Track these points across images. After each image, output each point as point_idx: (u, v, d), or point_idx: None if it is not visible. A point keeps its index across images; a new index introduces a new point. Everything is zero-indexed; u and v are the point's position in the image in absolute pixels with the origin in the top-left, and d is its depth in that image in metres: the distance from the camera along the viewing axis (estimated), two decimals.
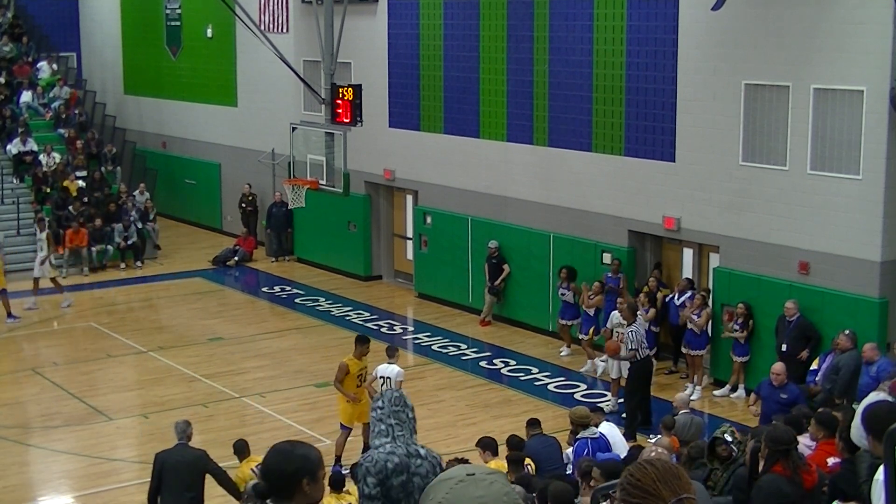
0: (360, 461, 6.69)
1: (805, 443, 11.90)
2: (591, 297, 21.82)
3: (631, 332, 18.68)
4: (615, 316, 19.80)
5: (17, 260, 30.19)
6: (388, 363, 17.73)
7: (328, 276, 29.58)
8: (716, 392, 20.53)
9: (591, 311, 21.86)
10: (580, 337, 22.17)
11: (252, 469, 14.42)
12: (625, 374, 19.54)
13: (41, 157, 33.24)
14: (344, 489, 13.71)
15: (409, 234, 28.30)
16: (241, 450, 14.88)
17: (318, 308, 26.81)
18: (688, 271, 22.07)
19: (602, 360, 21.66)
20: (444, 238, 26.49)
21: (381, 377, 17.61)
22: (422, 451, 7.04)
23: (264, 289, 29.20)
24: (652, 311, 20.71)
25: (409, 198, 28.16)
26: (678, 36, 21.13)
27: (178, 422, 14.34)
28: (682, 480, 4.22)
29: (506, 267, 24.79)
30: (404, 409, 7.15)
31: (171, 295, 28.60)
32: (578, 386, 20.91)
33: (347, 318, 25.86)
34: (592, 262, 22.80)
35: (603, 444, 14.07)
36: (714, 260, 21.40)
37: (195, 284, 29.37)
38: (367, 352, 17.84)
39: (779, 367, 16.79)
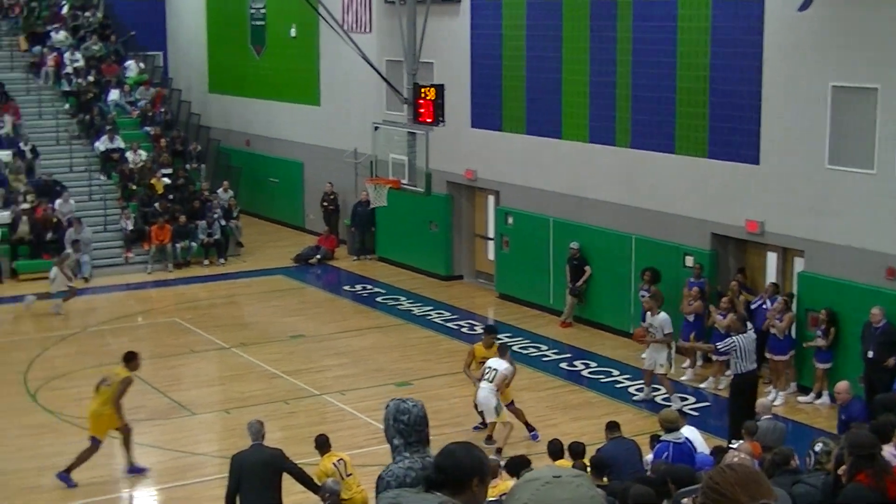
0: (381, 474, 6.94)
1: (891, 451, 11.72)
2: (691, 302, 21.63)
3: (734, 341, 18.33)
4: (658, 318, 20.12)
5: (104, 255, 30.70)
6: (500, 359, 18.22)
7: (409, 275, 29.66)
8: (800, 398, 20.29)
9: (691, 317, 21.64)
10: (680, 343, 21.91)
11: (333, 463, 14.49)
12: (660, 362, 19.94)
13: (128, 154, 33.69)
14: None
15: (491, 234, 28.29)
16: (323, 444, 14.96)
17: (398, 307, 26.89)
18: (771, 275, 21.81)
19: (689, 367, 21.57)
20: (525, 239, 26.44)
21: (488, 367, 18.05)
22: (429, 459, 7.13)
23: (345, 287, 29.35)
24: (731, 315, 20.51)
25: (491, 198, 28.15)
26: (763, 37, 20.91)
27: (252, 422, 14.40)
28: (761, 486, 4.20)
29: (587, 268, 24.70)
30: (424, 427, 7.50)
31: (253, 292, 28.83)
32: (659, 389, 20.76)
33: (428, 317, 25.91)
34: (674, 265, 22.63)
35: (687, 449, 13.94)
36: (798, 264, 21.14)
37: (277, 282, 29.61)
38: (494, 342, 18.76)
39: (841, 386, 16.41)
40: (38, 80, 36.61)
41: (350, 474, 14.32)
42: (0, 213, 30.52)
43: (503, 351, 18.70)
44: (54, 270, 26.65)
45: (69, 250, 27.99)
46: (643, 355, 20.75)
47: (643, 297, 22.18)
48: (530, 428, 18.52)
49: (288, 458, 14.15)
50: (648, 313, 20.45)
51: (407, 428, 7.46)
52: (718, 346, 18.95)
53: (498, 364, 18.07)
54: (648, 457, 14.39)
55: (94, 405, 17.18)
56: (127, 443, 17.34)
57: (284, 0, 34.92)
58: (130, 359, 17.37)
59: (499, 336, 19.37)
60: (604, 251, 24.44)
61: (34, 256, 30.09)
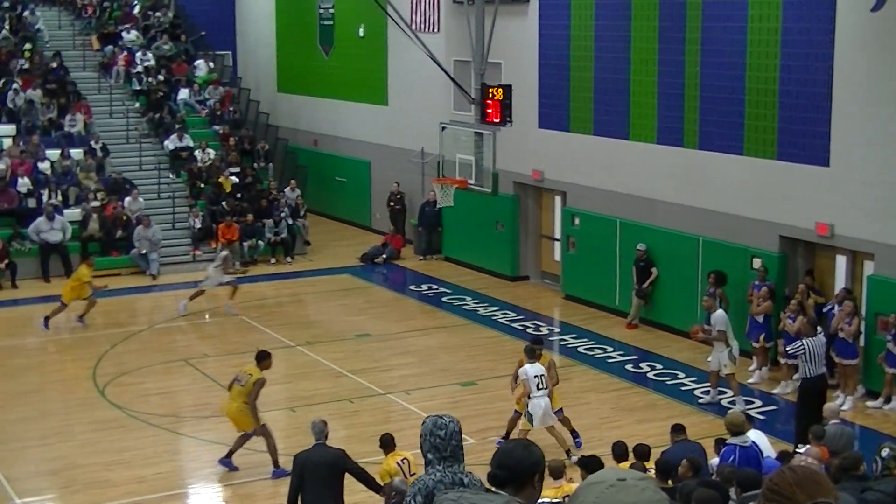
0: (413, 483, 7.27)
1: None
2: (760, 303, 21.44)
3: (803, 345, 18.19)
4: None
5: (172, 253, 30.99)
6: (529, 362, 17.70)
7: (475, 275, 29.66)
8: (869, 403, 20.03)
9: (760, 318, 21.45)
10: (752, 344, 21.71)
11: (397, 463, 14.52)
12: (724, 362, 19.77)
13: (196, 153, 33.99)
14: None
15: (557, 235, 28.22)
16: (388, 444, 14.99)
17: (464, 307, 26.89)
18: (841, 279, 21.57)
19: (756, 369, 21.40)
20: (591, 240, 26.35)
21: (535, 376, 17.54)
22: (465, 479, 7.46)
23: (412, 287, 29.41)
24: (801, 318, 20.30)
25: (558, 199, 28.08)
26: (835, 37, 20.67)
27: (315, 421, 14.41)
28: (821, 486, 4.20)
29: (654, 270, 24.57)
30: (459, 442, 7.67)
31: (319, 291, 28.96)
32: (725, 392, 20.58)
33: (494, 317, 25.89)
34: (742, 267, 22.43)
35: (753, 453, 13.80)
36: (868, 268, 20.88)
37: (343, 281, 29.72)
38: (539, 354, 18.02)
39: None
40: (108, 80, 37.03)
41: (413, 473, 14.33)
42: (71, 211, 30.92)
43: (531, 352, 18.04)
44: (211, 268, 26.60)
45: (225, 252, 27.69)
46: (709, 358, 20.60)
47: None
48: (575, 434, 18.37)
49: (350, 458, 14.18)
50: (708, 311, 20.42)
51: (442, 442, 7.63)
52: (788, 349, 18.85)
53: (536, 370, 17.66)
54: (714, 460, 14.28)
55: (234, 405, 17.34)
56: (242, 441, 17.53)
57: (353, 0, 35.06)
58: (263, 358, 17.56)
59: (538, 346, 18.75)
60: (670, 253, 24.29)
61: (104, 254, 30.44)
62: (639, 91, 24.84)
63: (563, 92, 26.83)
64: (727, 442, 14.03)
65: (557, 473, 13.57)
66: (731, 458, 13.56)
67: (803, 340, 18.24)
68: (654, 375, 21.92)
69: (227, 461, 17.55)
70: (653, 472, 13.23)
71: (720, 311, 20.10)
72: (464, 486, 7.38)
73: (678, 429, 15.05)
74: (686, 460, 12.97)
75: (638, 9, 24.70)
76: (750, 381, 21.19)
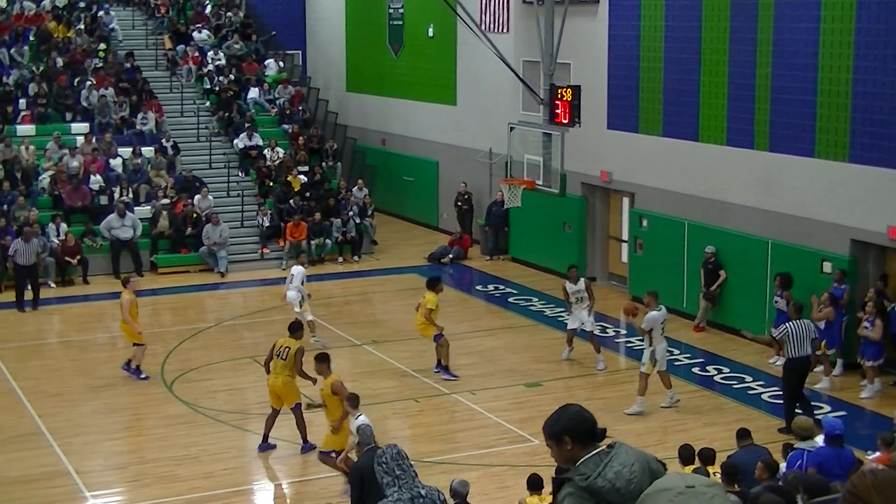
0: None
1: None
2: (821, 309, 21.19)
3: (783, 327, 18.92)
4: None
5: (241, 251, 31.21)
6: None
7: (542, 276, 29.59)
8: None
9: (822, 324, 21.20)
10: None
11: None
12: (643, 360, 19.93)
13: (266, 151, 34.21)
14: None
15: (625, 236, 28.08)
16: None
17: (530, 308, 26.84)
18: None
19: (818, 370, 21.17)
20: (659, 242, 26.19)
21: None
22: (422, 491, 8.34)
23: (478, 287, 29.39)
24: (879, 322, 20.05)
25: (626, 200, 27.94)
26: None
27: (362, 427, 14.30)
28: None
29: (722, 273, 24.38)
30: (404, 460, 8.68)
31: (386, 290, 29.03)
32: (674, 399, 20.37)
33: (560, 318, 25.78)
34: (812, 271, 22.19)
35: (824, 456, 13.63)
36: None
37: (410, 280, 29.76)
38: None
39: None
40: (180, 78, 37.38)
41: None
42: (142, 208, 31.25)
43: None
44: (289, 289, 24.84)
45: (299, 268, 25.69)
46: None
47: (776, 302, 21.86)
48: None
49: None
50: (648, 308, 20.19)
51: (387, 466, 8.53)
52: (774, 334, 19.46)
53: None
54: (782, 465, 14.13)
55: (280, 379, 17.86)
56: (300, 417, 18.00)
57: (423, 0, 35.12)
58: (297, 329, 18.35)
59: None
60: (739, 256, 24.09)
61: (173, 251, 30.77)
62: (709, 92, 24.65)
63: (633, 93, 26.69)
64: (795, 447, 13.89)
65: None
66: (799, 464, 13.42)
67: (787, 323, 18.96)
68: (721, 379, 21.73)
69: (307, 446, 18.07)
70: (718, 475, 13.12)
71: (654, 312, 19.89)
72: (422, 498, 8.45)
73: (744, 434, 14.92)
74: (761, 462, 12.85)
75: (709, 9, 24.51)
76: (817, 386, 20.94)
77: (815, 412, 19.01)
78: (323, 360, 16.89)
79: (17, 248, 27.31)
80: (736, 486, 12.65)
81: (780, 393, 19.56)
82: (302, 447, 18.02)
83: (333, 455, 16.44)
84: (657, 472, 5.29)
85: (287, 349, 17.87)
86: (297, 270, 24.37)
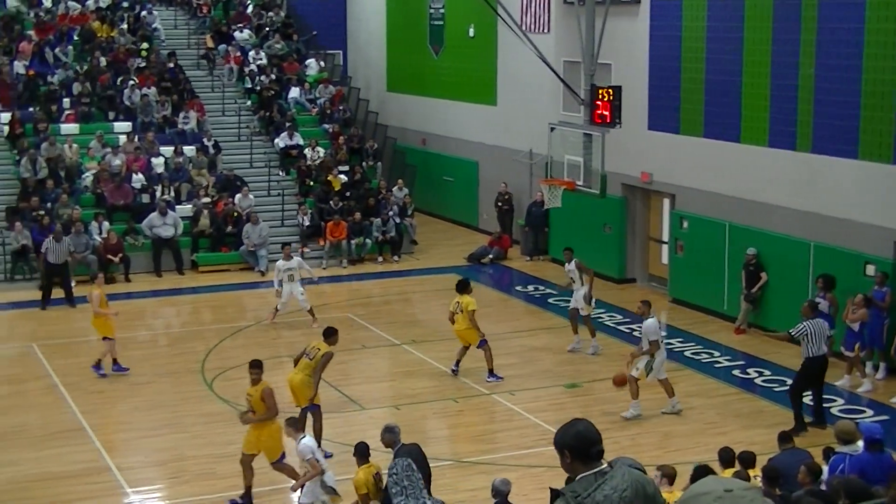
0: None
1: None
2: (855, 310, 21.03)
3: (801, 326, 18.66)
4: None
5: (280, 250, 31.25)
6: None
7: None
8: None
9: (856, 326, 21.04)
10: (843, 352, 21.34)
11: (374, 475, 13.87)
12: (638, 365, 19.53)
13: (306, 151, 34.32)
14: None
15: (665, 237, 27.97)
16: (364, 454, 14.24)
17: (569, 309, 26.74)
18: None
19: (859, 374, 21.03)
20: (700, 243, 26.07)
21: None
22: (428, 502, 8.41)
23: (518, 287, 29.36)
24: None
25: (666, 201, 27.83)
26: None
27: (393, 426, 14.22)
28: None
29: (763, 275, 24.23)
30: (413, 472, 9.38)
31: (426, 290, 29.04)
32: (835, 400, 20.24)
33: (599, 320, 25.71)
34: (854, 273, 22.02)
35: (865, 461, 13.51)
36: None
37: (450, 280, 29.62)
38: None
39: None
40: (221, 78, 37.57)
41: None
42: (183, 207, 31.41)
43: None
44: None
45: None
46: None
47: (818, 303, 21.70)
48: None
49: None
50: (642, 317, 19.87)
51: (397, 476, 9.14)
52: (791, 332, 18.93)
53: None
54: (825, 468, 14.03)
55: (299, 376, 17.83)
56: (303, 419, 17.79)
57: (464, 0, 35.12)
58: (331, 334, 18.15)
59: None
60: (781, 258, 23.94)
61: (214, 249, 30.92)
62: (751, 93, 24.51)
63: (674, 93, 26.58)
64: (836, 451, 13.78)
65: (671, 479, 13.42)
66: (841, 468, 13.31)
67: (805, 322, 18.72)
68: (762, 381, 21.60)
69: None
70: (759, 479, 13.05)
71: (651, 320, 19.61)
72: None
73: (785, 437, 14.82)
74: (804, 466, 12.75)
75: (751, 9, 24.37)
76: (860, 389, 20.80)
77: (855, 417, 18.88)
78: (256, 366, 16.40)
79: (48, 246, 27.53)
80: (777, 489, 12.57)
81: (793, 388, 19.28)
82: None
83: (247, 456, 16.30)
84: (653, 497, 5.62)
85: (317, 350, 17.89)
86: (289, 264, 25.48)
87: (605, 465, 5.71)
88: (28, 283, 28.84)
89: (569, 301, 26.77)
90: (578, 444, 5.73)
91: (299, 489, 15.23)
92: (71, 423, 19.59)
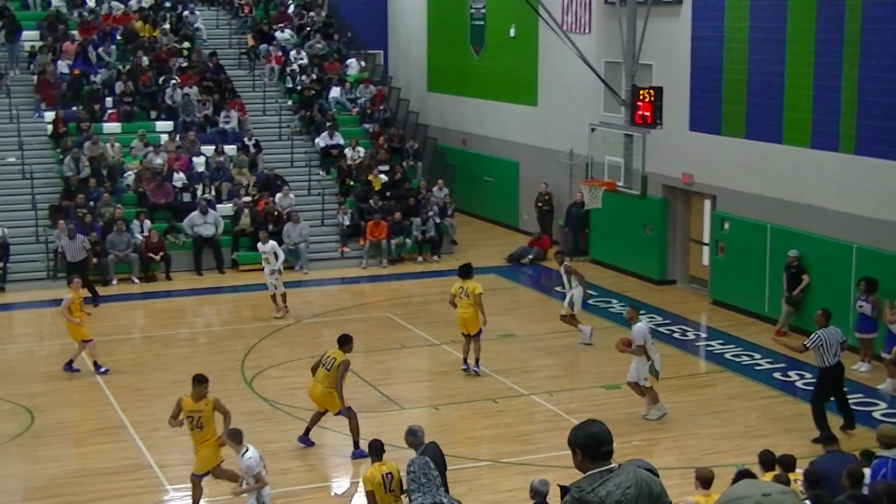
0: None
1: None
2: (894, 313, 20.85)
3: (816, 335, 18.21)
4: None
5: (321, 250, 31.40)
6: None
7: (621, 278, 29.44)
8: None
9: (895, 329, 20.87)
10: (883, 355, 21.19)
11: (381, 475, 13.44)
12: (643, 375, 19.10)
13: (346, 150, 34.39)
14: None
15: (706, 239, 27.84)
16: (378, 451, 13.89)
17: (610, 310, 26.69)
18: None
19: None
20: (741, 245, 25.93)
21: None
22: (444, 500, 8.73)
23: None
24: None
25: (707, 203, 27.69)
26: None
27: (416, 429, 14.13)
28: None
29: (805, 277, 24.07)
30: (430, 470, 9.93)
31: None
32: (877, 404, 20.08)
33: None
34: None
35: None
36: None
37: (489, 281, 29.68)
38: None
39: None
40: (262, 78, 37.72)
41: (393, 490, 13.26)
42: (224, 206, 31.55)
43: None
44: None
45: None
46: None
47: (860, 306, 21.55)
48: None
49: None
50: (629, 322, 19.57)
51: (414, 474, 9.68)
52: (806, 344, 18.47)
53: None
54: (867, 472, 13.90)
55: (319, 388, 17.84)
56: (353, 426, 17.93)
57: (504, 0, 35.09)
58: (345, 342, 18.04)
59: None
60: (823, 260, 23.77)
61: (254, 248, 30.96)
62: (793, 94, 24.35)
63: (716, 94, 26.44)
64: (878, 455, 13.64)
65: (706, 482, 13.35)
66: (883, 472, 13.19)
67: (819, 332, 18.28)
68: (803, 384, 21.43)
69: (304, 438, 18.26)
70: (799, 483, 12.95)
71: (640, 324, 19.31)
72: None
73: (830, 439, 14.71)
74: (846, 471, 12.63)
75: (794, 10, 24.20)
76: (881, 386, 20.71)
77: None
78: (201, 381, 15.77)
79: (64, 244, 27.68)
80: (818, 491, 12.47)
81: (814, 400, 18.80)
82: (353, 452, 17.93)
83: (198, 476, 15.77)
84: (659, 496, 6.14)
85: (333, 360, 17.82)
86: (263, 248, 26.33)
87: (613, 465, 6.14)
88: None
89: (609, 301, 26.72)
90: (589, 444, 6.20)
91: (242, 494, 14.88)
92: (112, 420, 19.72)
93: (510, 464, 17.42)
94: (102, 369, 22.32)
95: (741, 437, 18.67)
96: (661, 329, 24.96)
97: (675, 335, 24.59)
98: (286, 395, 20.80)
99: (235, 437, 14.80)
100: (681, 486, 15.76)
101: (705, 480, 13.33)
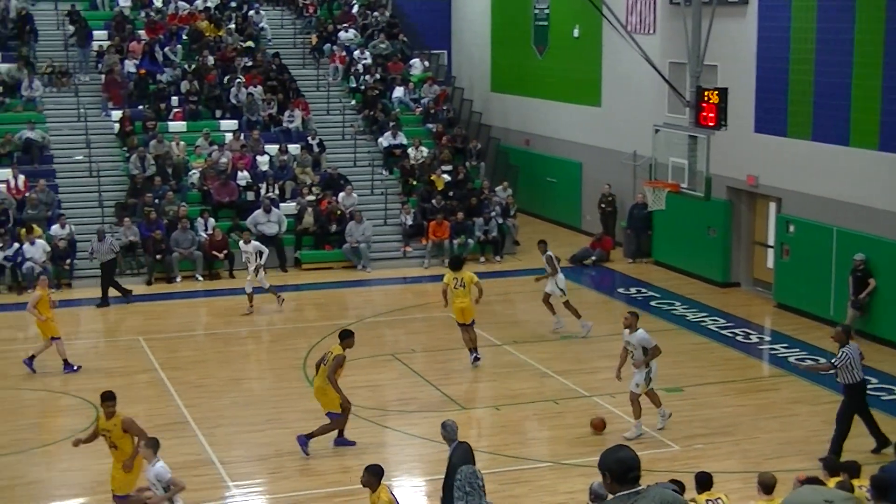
0: None
1: None
2: None
3: (843, 353, 17.43)
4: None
5: (383, 249, 31.48)
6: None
7: (685, 280, 29.26)
8: None
9: None
10: None
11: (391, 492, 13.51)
12: (637, 381, 18.52)
13: (410, 150, 34.45)
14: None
15: (771, 241, 27.59)
16: (379, 475, 13.38)
17: (673, 312, 26.54)
18: None
19: None
20: (806, 248, 25.67)
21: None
22: None
23: (620, 289, 29.18)
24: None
25: (772, 205, 27.45)
26: None
27: (450, 423, 14.00)
28: None
29: (871, 281, 23.78)
30: (476, 479, 10.89)
31: (528, 290, 28.89)
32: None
33: (702, 323, 25.49)
34: None
35: None
36: None
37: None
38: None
39: None
40: (326, 77, 37.87)
41: None
42: (287, 205, 31.71)
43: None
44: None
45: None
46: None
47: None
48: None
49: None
50: (626, 331, 18.87)
51: (460, 482, 10.74)
52: (833, 361, 17.60)
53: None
54: None
55: (317, 383, 17.96)
56: (342, 421, 18.00)
57: (569, 0, 34.99)
58: (345, 337, 18.01)
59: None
60: (890, 264, 23.47)
61: (317, 247, 31.17)
62: (861, 95, 24.06)
63: (782, 95, 26.20)
64: None
65: (768, 488, 13.22)
66: None
67: (843, 349, 17.46)
68: (869, 389, 21.14)
69: (340, 440, 18.23)
70: (865, 489, 12.79)
71: (641, 331, 18.68)
72: None
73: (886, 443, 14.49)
74: None
75: (863, 9, 23.92)
76: None
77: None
78: (109, 398, 14.98)
79: (94, 246, 27.90)
80: (886, 501, 12.30)
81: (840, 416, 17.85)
82: (300, 436, 18.05)
83: (132, 496, 14.91)
84: None
85: (331, 354, 17.86)
86: (246, 248, 26.76)
87: (641, 487, 6.65)
88: (136, 278, 29.35)
89: (671, 304, 26.65)
90: (618, 468, 6.68)
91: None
92: (175, 415, 19.88)
93: (571, 465, 17.36)
94: (75, 367, 22.36)
95: (804, 441, 18.48)
96: (724, 332, 24.79)
97: (739, 338, 24.40)
98: (348, 394, 20.78)
99: (151, 446, 14.04)
100: (742, 490, 15.64)
101: (767, 486, 13.19)
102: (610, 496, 6.74)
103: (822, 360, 20.17)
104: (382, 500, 12.90)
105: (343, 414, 17.98)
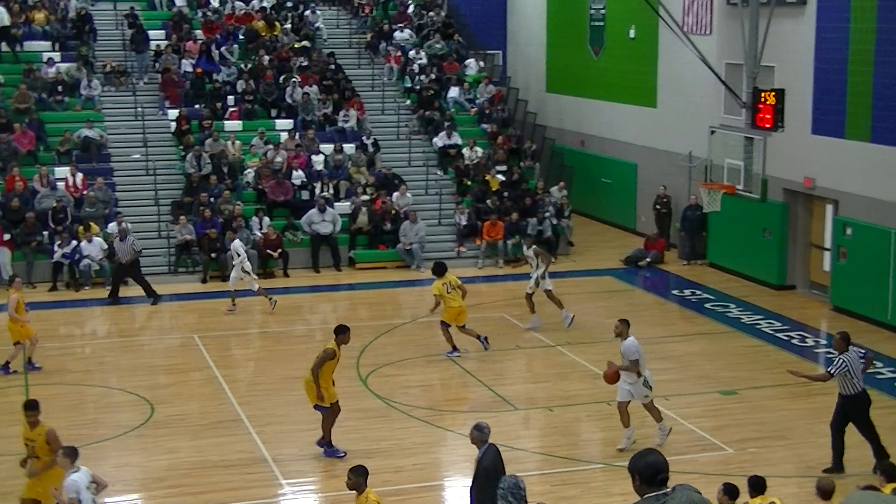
0: None
1: None
2: None
3: (840, 361, 16.99)
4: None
5: (437, 249, 31.49)
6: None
7: (740, 282, 29.07)
8: None
9: None
10: None
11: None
12: (643, 393, 18.16)
13: (464, 150, 34.45)
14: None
15: (827, 244, 27.35)
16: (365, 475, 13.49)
17: (727, 314, 26.38)
18: None
19: None
20: (864, 251, 25.42)
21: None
22: None
23: (674, 291, 29.02)
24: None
25: (829, 207, 27.20)
26: None
27: (483, 425, 13.85)
28: None
29: None
30: (519, 490, 11.25)
31: (581, 292, 28.88)
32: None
33: (757, 326, 25.31)
34: None
35: None
36: None
37: (605, 283, 29.58)
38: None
39: None
40: (381, 77, 37.97)
41: None
42: (341, 204, 31.81)
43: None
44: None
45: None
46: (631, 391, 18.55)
47: None
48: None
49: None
50: (618, 339, 18.52)
51: (502, 492, 11.10)
52: (830, 370, 17.10)
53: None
54: None
55: (306, 376, 18.01)
56: (334, 412, 17.98)
57: (625, 1, 34.87)
58: (340, 332, 18.01)
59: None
60: None
61: (371, 246, 31.24)
62: None
63: (840, 97, 25.96)
64: None
65: (827, 494, 13.09)
66: None
67: (841, 357, 17.04)
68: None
69: (323, 443, 18.11)
70: None
71: (631, 339, 18.32)
72: None
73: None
74: None
75: None
76: None
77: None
78: (32, 407, 14.52)
79: (116, 246, 28.04)
80: None
81: (840, 427, 17.46)
82: (318, 441, 18.09)
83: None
84: None
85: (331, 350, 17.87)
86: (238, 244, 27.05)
87: (668, 489, 6.97)
88: (190, 276, 29.57)
89: (726, 306, 26.48)
90: (647, 472, 7.02)
91: None
92: (229, 413, 19.99)
93: (622, 467, 17.26)
94: (36, 365, 22.38)
95: (860, 447, 18.27)
96: (779, 335, 24.60)
97: (794, 341, 24.21)
98: (400, 393, 20.90)
99: (69, 454, 13.30)
100: (799, 495, 15.52)
101: (826, 492, 13.06)
102: (639, 498, 7.02)
103: (821, 370, 19.82)
104: (371, 501, 12.97)
105: (331, 408, 17.91)
